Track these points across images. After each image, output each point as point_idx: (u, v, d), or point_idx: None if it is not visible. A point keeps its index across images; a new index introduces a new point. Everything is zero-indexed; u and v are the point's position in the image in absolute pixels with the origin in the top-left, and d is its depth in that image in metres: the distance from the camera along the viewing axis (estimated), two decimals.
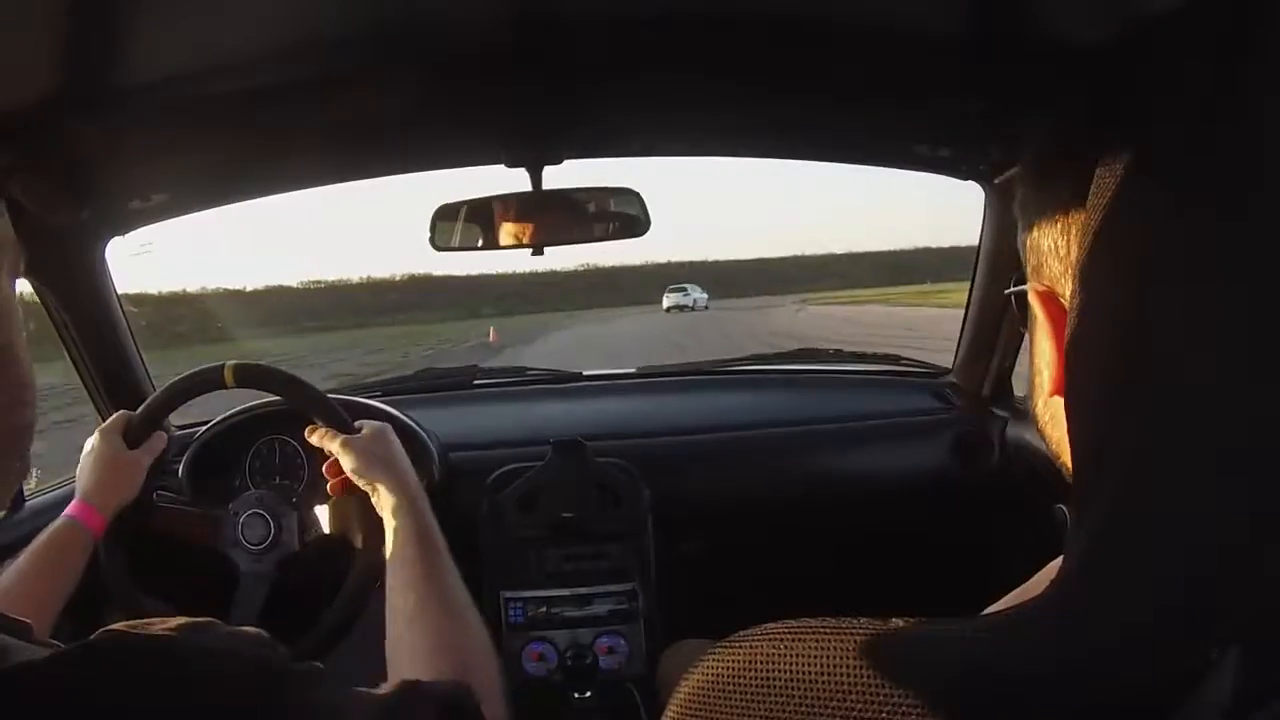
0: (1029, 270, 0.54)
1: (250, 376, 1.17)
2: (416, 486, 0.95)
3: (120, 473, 1.14)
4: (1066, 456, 0.54)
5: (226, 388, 1.18)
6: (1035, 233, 0.53)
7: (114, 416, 1.18)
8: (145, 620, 0.47)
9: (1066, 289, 0.49)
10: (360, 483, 0.98)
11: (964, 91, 0.96)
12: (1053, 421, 0.55)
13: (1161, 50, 0.39)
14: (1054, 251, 0.50)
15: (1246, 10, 0.36)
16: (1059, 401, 0.53)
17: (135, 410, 1.19)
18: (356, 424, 1.06)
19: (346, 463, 0.99)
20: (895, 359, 2.00)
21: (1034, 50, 0.80)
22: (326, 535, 1.21)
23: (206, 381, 1.19)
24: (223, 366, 1.17)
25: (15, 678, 0.39)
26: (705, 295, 44.30)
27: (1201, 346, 0.35)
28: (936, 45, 0.85)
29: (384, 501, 0.94)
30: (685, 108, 1.20)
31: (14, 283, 0.54)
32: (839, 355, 2.07)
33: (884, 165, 1.44)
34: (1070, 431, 0.42)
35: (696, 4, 0.82)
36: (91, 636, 0.44)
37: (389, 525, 0.91)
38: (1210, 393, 0.35)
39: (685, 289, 43.41)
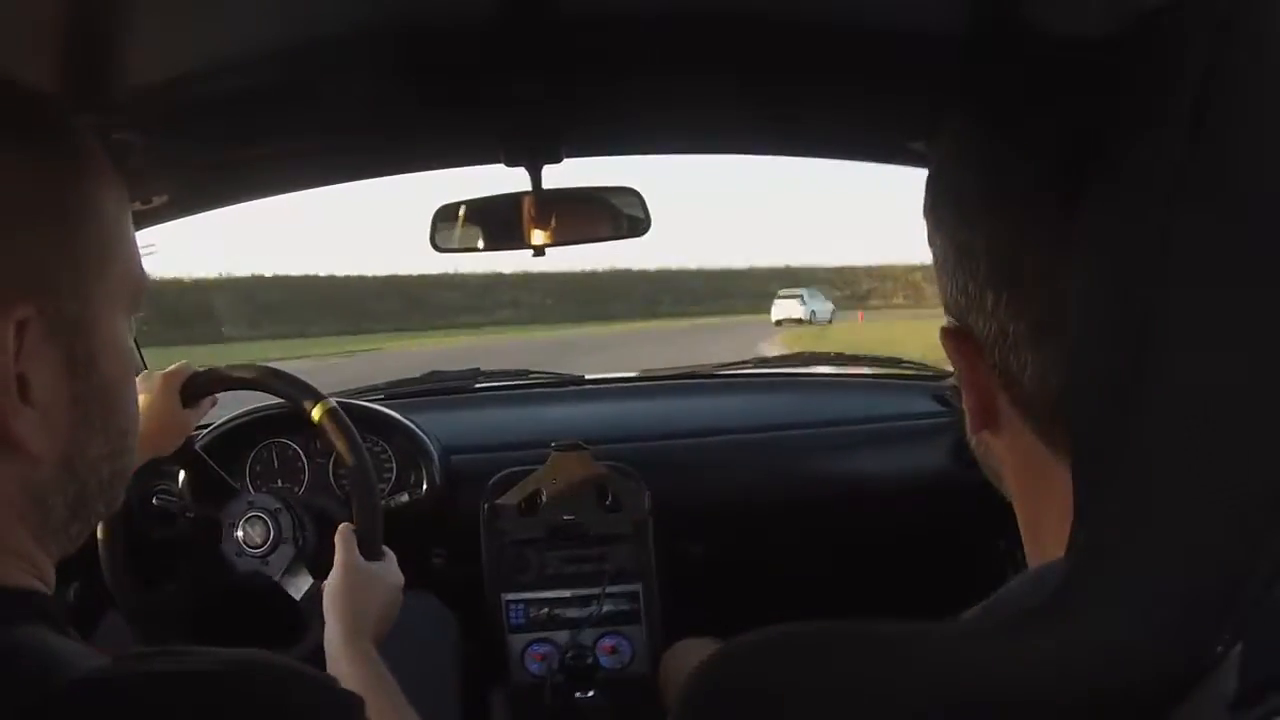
0: (942, 301, 0.53)
1: (334, 429, 1.12)
2: (365, 646, 0.92)
3: (166, 426, 1.09)
4: (1004, 486, 0.54)
5: (304, 417, 1.14)
6: (938, 266, 0.52)
7: (178, 365, 1.13)
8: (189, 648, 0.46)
9: (979, 325, 0.48)
10: (326, 604, 0.96)
11: (962, 88, 0.96)
12: (987, 454, 0.54)
13: (1159, 45, 0.39)
14: (962, 289, 0.49)
15: (1239, 4, 0.35)
16: (983, 438, 0.52)
17: None
18: (384, 552, 1.05)
19: (334, 579, 0.98)
20: (896, 362, 2.00)
21: (1034, 46, 0.80)
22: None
23: (290, 397, 1.15)
24: (318, 401, 1.13)
25: (73, 695, 0.39)
26: (830, 306, 34.71)
27: (1203, 350, 0.35)
28: (936, 41, 0.85)
29: (329, 639, 0.92)
30: (685, 105, 1.20)
31: (132, 323, 0.53)
32: (840, 358, 2.07)
33: (881, 162, 1.43)
34: (1072, 430, 0.42)
35: (696, 1, 0.82)
36: (147, 659, 0.43)
37: (329, 663, 0.90)
38: (1213, 394, 0.35)
39: (801, 295, 33.72)
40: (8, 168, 0.45)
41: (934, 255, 0.52)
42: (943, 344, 0.51)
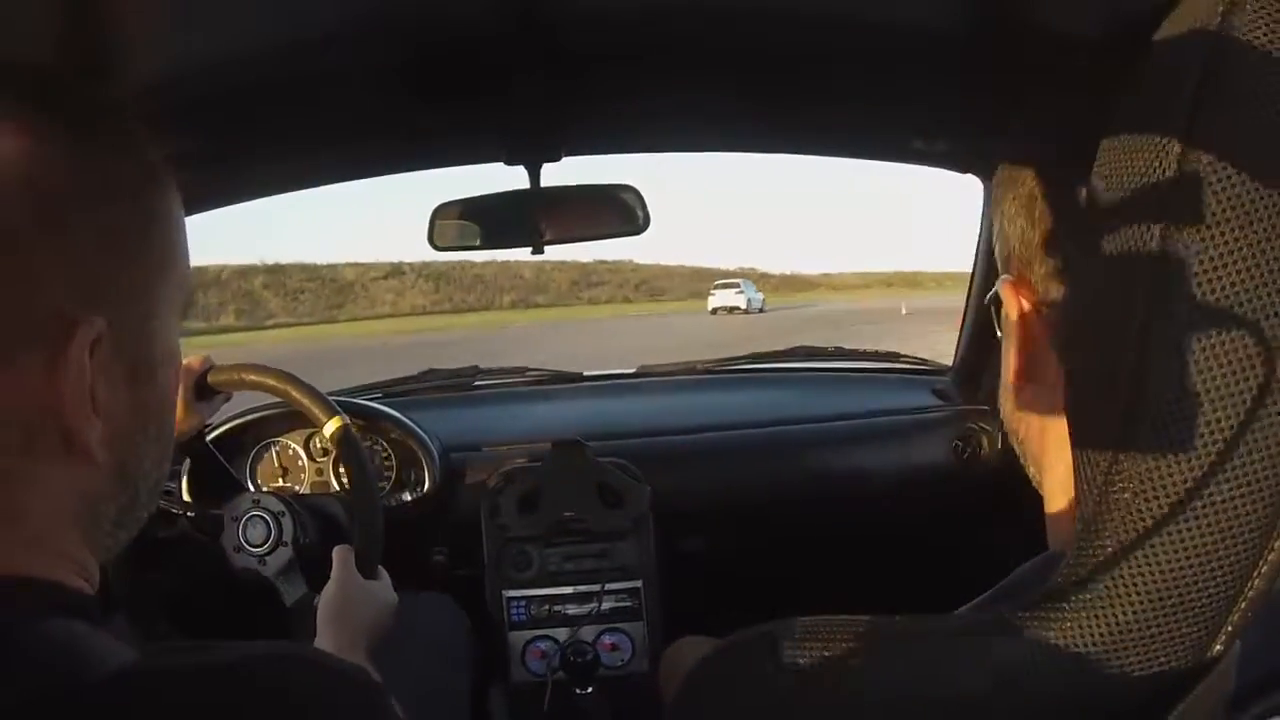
0: (1000, 262, 0.57)
1: (344, 446, 1.12)
2: (356, 657, 0.92)
3: (178, 418, 1.07)
4: (1033, 450, 0.55)
5: (318, 429, 1.13)
6: (1006, 221, 0.55)
7: (198, 358, 1.13)
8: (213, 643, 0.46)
9: (1034, 272, 0.52)
10: (320, 617, 0.97)
11: (962, 84, 0.96)
12: (1015, 415, 0.56)
13: (1157, 46, 0.39)
14: (1027, 242, 0.52)
15: (1233, 7, 0.35)
16: (1025, 394, 0.54)
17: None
18: (379, 571, 1.06)
19: (329, 593, 0.99)
20: (895, 356, 1.99)
21: (1033, 42, 0.80)
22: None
23: (304, 408, 1.14)
24: (335, 414, 1.12)
25: (104, 686, 0.39)
26: (761, 296, 35.97)
27: (1203, 349, 0.35)
28: (935, 38, 0.85)
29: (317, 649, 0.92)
30: (685, 104, 1.20)
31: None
32: (838, 353, 2.07)
33: (882, 159, 1.44)
34: (1072, 432, 0.42)
35: None
36: (178, 653, 0.43)
37: None
38: (1213, 394, 0.35)
39: (739, 284, 34.92)
40: (79, 175, 0.44)
41: (998, 218, 0.57)
42: (1003, 294, 0.54)
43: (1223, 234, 0.35)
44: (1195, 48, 0.36)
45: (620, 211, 1.31)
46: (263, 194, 1.42)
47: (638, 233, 1.32)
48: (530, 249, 1.30)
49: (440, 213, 1.33)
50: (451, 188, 1.39)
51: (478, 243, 1.34)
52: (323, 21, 0.81)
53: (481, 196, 1.30)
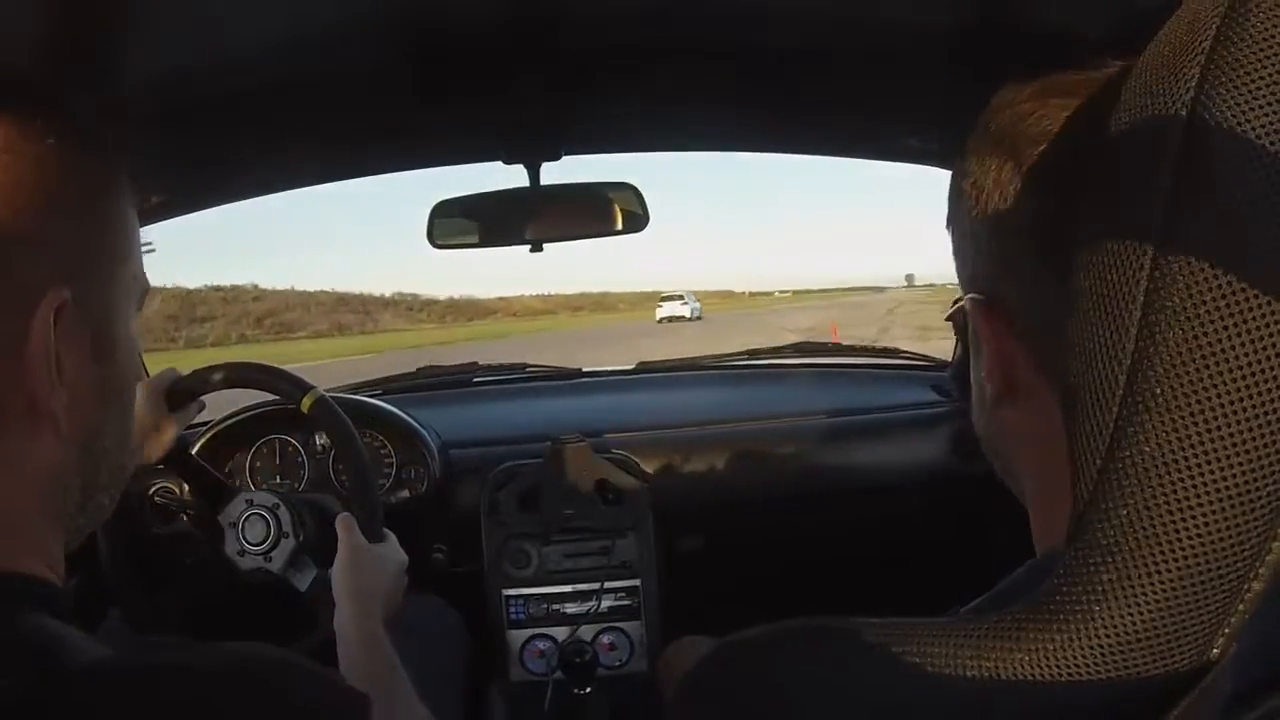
0: (964, 280, 0.53)
1: (324, 417, 1.12)
2: (375, 628, 0.92)
3: (152, 433, 1.09)
4: (1015, 466, 0.54)
5: (296, 408, 1.13)
6: (967, 239, 0.52)
7: (161, 372, 1.12)
8: (192, 643, 0.47)
9: (1005, 291, 0.49)
10: (335, 589, 0.96)
11: (959, 84, 0.95)
12: (997, 434, 0.54)
13: (1155, 47, 0.39)
14: (998, 260, 0.50)
15: (1232, 7, 0.35)
16: (1001, 409, 0.52)
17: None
18: (385, 533, 1.06)
19: (340, 563, 0.98)
20: (895, 352, 1.99)
21: (1031, 41, 0.80)
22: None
23: (278, 390, 1.14)
24: (306, 391, 1.12)
25: (78, 681, 0.39)
26: (699, 305, 42.34)
27: (1202, 351, 0.35)
28: (932, 37, 0.85)
29: (339, 623, 0.92)
30: (683, 102, 1.19)
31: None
32: (837, 348, 2.06)
33: (879, 158, 1.43)
34: (1068, 429, 0.42)
35: None
36: (152, 650, 0.44)
37: (340, 647, 0.90)
38: (1212, 395, 0.35)
39: (683, 296, 41.23)
40: (52, 161, 0.47)
41: (956, 234, 0.53)
42: (971, 316, 0.51)
43: (1218, 246, 0.35)
44: (1193, 52, 0.36)
45: (619, 210, 1.31)
46: (261, 193, 1.42)
47: (638, 230, 1.32)
48: (529, 247, 1.30)
49: (439, 210, 1.33)
50: (452, 187, 1.37)
51: (476, 240, 1.35)
52: (323, 22, 0.81)
53: (480, 194, 1.30)
